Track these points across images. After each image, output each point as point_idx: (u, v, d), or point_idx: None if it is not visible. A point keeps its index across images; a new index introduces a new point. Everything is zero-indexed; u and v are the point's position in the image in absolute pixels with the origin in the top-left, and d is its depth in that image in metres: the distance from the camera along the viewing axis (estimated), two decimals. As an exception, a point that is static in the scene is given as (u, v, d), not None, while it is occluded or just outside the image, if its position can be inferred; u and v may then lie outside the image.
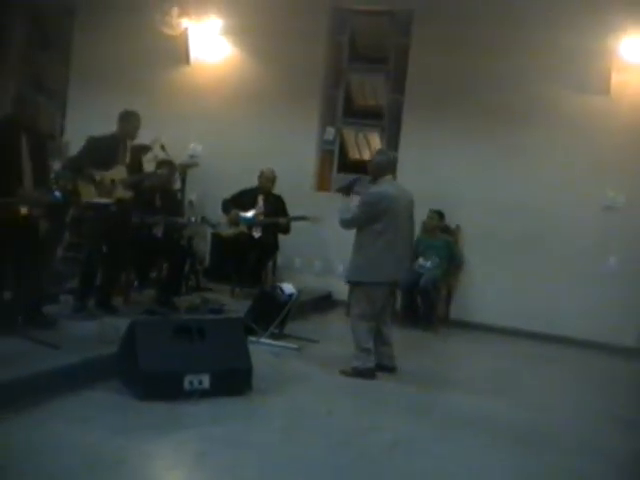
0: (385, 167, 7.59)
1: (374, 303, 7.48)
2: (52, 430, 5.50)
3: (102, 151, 8.16)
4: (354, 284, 7.68)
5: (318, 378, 7.53)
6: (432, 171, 10.23)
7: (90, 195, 7.83)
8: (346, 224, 7.56)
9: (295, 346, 8.22)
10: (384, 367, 7.64)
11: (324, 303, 10.40)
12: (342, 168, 11.07)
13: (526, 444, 6.07)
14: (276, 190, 10.31)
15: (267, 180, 10.30)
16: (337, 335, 9.23)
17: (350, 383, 7.25)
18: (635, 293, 9.46)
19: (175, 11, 10.96)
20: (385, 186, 7.50)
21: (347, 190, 7.62)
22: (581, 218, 9.70)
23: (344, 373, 7.45)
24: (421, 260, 10.00)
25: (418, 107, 10.38)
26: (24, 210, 6.79)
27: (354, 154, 11.45)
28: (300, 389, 7.07)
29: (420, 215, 10.02)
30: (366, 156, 11.30)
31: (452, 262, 10.14)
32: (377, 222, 7.34)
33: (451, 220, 10.20)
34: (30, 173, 7.06)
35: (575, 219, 9.72)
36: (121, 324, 6.81)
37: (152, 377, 6.19)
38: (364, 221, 7.40)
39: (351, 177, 7.51)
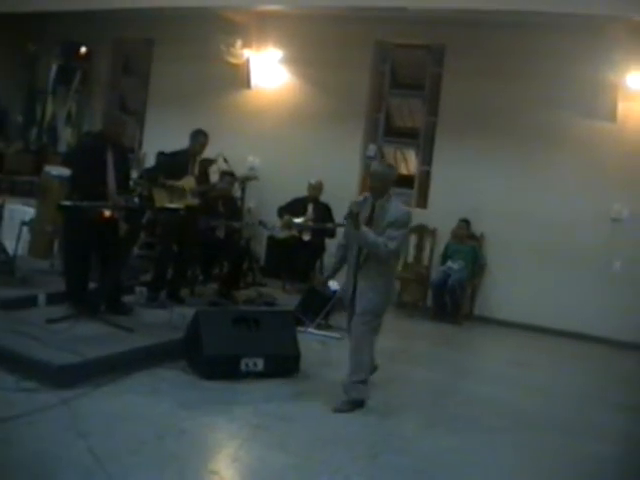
0: (393, 180, 6.18)
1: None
2: (126, 402, 5.60)
3: (175, 163, 8.27)
4: (381, 313, 6.09)
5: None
6: (461, 185, 10.20)
7: (163, 201, 7.92)
8: (394, 253, 5.96)
9: (338, 335, 8.23)
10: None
11: (334, 299, 10.41)
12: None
13: (530, 427, 6.06)
14: (323, 199, 10.33)
15: (315, 190, 10.34)
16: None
17: (383, 369, 7.14)
18: (636, 294, 9.36)
19: (239, 43, 11.04)
20: (398, 201, 6.16)
21: (356, 220, 5.78)
22: (590, 228, 9.61)
23: (342, 409, 5.90)
24: (450, 263, 9.97)
25: (449, 128, 10.35)
26: (108, 213, 6.90)
27: (393, 169, 11.48)
28: (341, 373, 7.08)
29: (450, 223, 10.06)
30: (403, 170, 11.30)
31: (476, 265, 10.09)
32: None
33: (476, 228, 10.16)
34: (114, 181, 7.19)
35: (585, 228, 9.62)
36: (187, 313, 6.91)
37: (213, 359, 6.27)
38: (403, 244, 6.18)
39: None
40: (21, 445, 4.67)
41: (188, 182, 8.16)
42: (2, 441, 4.69)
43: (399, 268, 10.01)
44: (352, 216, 5.82)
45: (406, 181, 10.92)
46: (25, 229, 8.69)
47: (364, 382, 5.98)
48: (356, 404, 5.94)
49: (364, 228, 5.81)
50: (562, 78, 9.55)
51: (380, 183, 6.01)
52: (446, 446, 5.45)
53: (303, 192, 10.37)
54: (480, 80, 10.00)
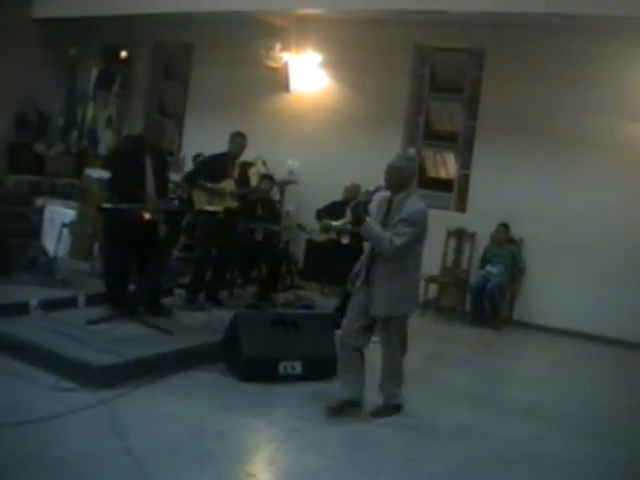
0: (414, 175, 5.89)
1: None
2: (165, 404, 5.64)
3: (215, 166, 8.30)
4: (402, 318, 5.83)
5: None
6: (500, 188, 10.11)
7: (203, 204, 7.97)
8: (399, 249, 5.54)
9: (376, 339, 8.19)
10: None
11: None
12: (421, 184, 11.03)
13: (580, 435, 5.99)
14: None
15: (351, 193, 10.32)
16: (412, 332, 9.07)
17: (420, 373, 7.14)
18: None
19: (278, 47, 11.08)
20: (417, 198, 5.81)
21: (359, 211, 5.70)
22: (631, 232, 9.48)
23: (380, 414, 5.81)
24: (489, 267, 9.90)
25: (489, 131, 10.28)
26: (147, 215, 6.95)
27: (431, 172, 11.41)
28: (379, 376, 7.06)
29: (489, 227, 9.99)
30: (442, 174, 11.25)
31: (516, 269, 10.01)
32: (419, 242, 5.69)
33: (515, 232, 10.07)
34: (153, 184, 7.25)
35: (625, 233, 9.49)
36: (226, 316, 6.92)
37: (251, 362, 6.28)
38: (412, 243, 5.64)
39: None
40: (61, 444, 4.73)
41: (228, 185, 8.20)
42: (42, 439, 4.73)
43: (434, 272, 10.00)
44: (357, 206, 5.76)
45: (445, 185, 10.87)
46: (65, 231, 8.79)
47: (401, 387, 5.91)
48: (394, 409, 5.88)
49: (369, 220, 5.64)
50: (604, 81, 9.43)
51: (396, 177, 5.66)
52: (483, 453, 5.40)
53: (341, 195, 10.38)
54: (520, 84, 9.92)
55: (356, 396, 5.81)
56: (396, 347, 5.85)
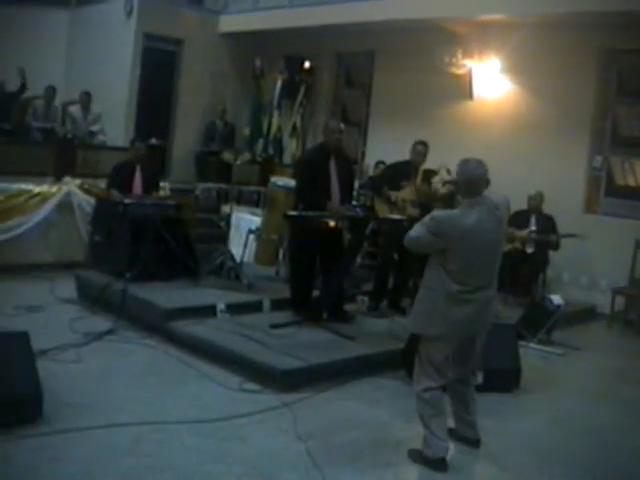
0: (470, 181, 4.98)
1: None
2: (346, 409, 5.70)
3: (397, 174, 8.31)
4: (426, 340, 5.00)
5: (578, 383, 7.28)
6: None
7: (385, 212, 7.99)
8: (407, 239, 5.07)
9: (560, 352, 7.98)
10: (465, 439, 5.23)
11: (587, 315, 9.98)
12: (609, 193, 10.63)
13: None
14: (547, 211, 10.05)
15: (534, 201, 10.07)
16: (598, 345, 8.90)
17: (605, 390, 6.92)
18: None
19: (460, 53, 10.99)
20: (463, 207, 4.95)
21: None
22: None
23: (411, 456, 4.95)
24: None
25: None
26: (332, 223, 7.04)
27: (620, 180, 10.97)
28: (562, 391, 6.87)
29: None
30: (632, 182, 10.79)
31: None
32: (443, 255, 4.84)
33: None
34: (338, 191, 7.34)
35: None
36: (408, 323, 6.90)
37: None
38: (430, 250, 5.00)
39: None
40: (244, 442, 4.89)
41: (409, 193, 8.19)
42: (226, 438, 4.91)
43: (621, 284, 9.59)
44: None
45: (635, 193, 10.43)
46: (251, 237, 9.03)
47: (433, 434, 4.85)
48: (426, 462, 4.85)
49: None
50: None
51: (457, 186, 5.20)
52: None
53: (524, 204, 10.15)
54: None
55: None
56: (416, 372, 5.07)
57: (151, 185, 8.99)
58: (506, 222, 4.92)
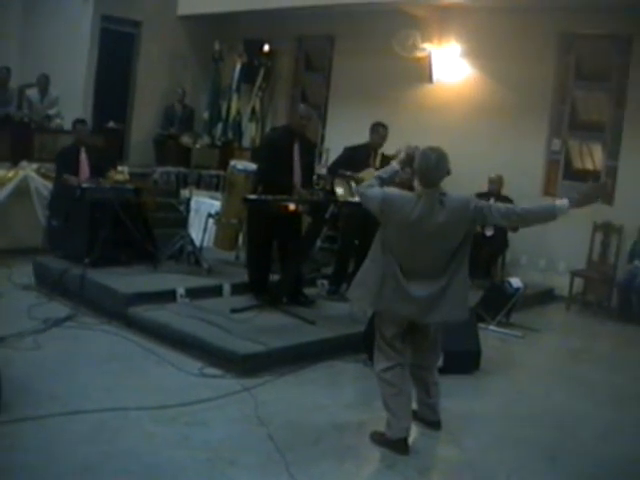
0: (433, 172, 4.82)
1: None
2: (307, 393, 5.71)
3: (356, 157, 8.29)
4: None
5: (537, 364, 7.39)
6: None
7: (344, 195, 7.97)
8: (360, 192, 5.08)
9: (519, 334, 8.05)
10: (426, 421, 5.23)
11: (546, 297, 10.09)
12: (567, 176, 10.71)
13: None
14: (505, 193, 10.11)
15: (494, 184, 10.13)
16: (557, 327, 9.04)
17: (563, 370, 7.01)
18: None
19: (419, 37, 10.98)
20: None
21: None
22: None
23: (373, 438, 4.95)
24: (637, 261, 9.50)
25: (639, 120, 9.89)
26: (292, 206, 7.00)
27: (578, 163, 11.06)
28: (522, 372, 6.94)
29: (638, 221, 9.58)
30: (589, 165, 10.88)
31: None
32: (383, 226, 4.87)
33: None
34: (299, 174, 7.33)
35: None
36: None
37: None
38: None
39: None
40: (206, 427, 4.87)
41: (368, 174, 8.17)
42: (188, 424, 4.88)
43: (580, 266, 9.69)
44: None
45: (592, 176, 10.52)
46: (211, 221, 8.97)
47: (393, 415, 4.89)
48: (385, 443, 4.88)
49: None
50: None
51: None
52: (631, 455, 5.20)
53: (484, 187, 10.20)
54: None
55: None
56: (375, 353, 5.09)
57: (100, 168, 8.68)
58: (470, 221, 4.73)
